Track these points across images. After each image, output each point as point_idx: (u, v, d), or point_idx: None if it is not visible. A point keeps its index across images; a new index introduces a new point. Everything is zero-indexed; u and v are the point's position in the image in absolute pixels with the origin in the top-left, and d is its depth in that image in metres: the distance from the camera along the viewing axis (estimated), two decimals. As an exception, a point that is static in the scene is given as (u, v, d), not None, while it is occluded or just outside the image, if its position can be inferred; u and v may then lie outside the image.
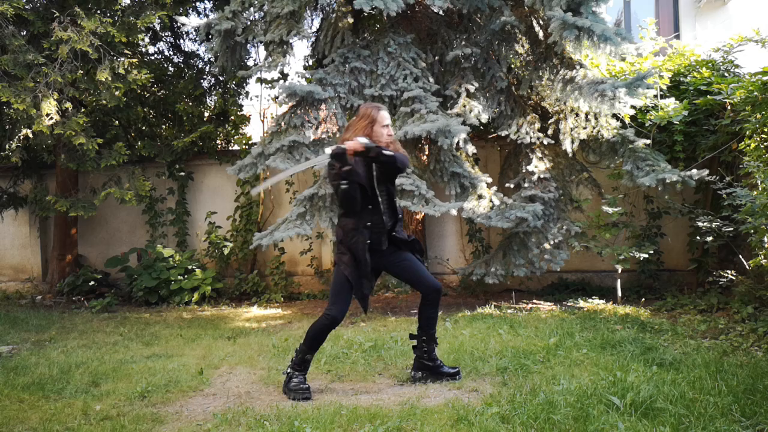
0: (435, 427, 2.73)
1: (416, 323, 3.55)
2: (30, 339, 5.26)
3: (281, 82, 6.63)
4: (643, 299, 5.94)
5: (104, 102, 6.83)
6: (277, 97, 5.65)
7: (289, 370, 3.40)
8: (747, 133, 4.84)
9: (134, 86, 6.56)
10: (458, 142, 5.40)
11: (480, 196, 5.55)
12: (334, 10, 6.04)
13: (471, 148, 5.62)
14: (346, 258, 3.33)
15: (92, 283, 7.59)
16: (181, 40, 8.54)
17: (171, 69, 8.35)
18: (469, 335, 4.53)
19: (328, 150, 3.17)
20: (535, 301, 6.19)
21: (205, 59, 8.36)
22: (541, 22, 5.80)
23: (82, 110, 6.91)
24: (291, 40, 5.68)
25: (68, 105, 6.44)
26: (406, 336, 4.51)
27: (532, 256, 5.63)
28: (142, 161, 7.74)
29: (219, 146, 8.45)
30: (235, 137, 8.52)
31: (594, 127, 5.71)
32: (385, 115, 3.39)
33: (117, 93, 6.47)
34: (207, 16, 8.17)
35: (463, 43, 5.85)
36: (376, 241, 3.34)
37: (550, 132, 5.86)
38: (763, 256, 4.75)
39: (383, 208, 3.36)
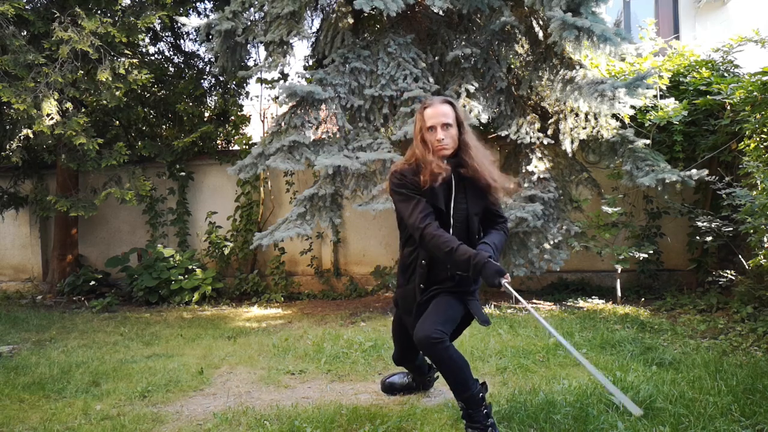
0: (435, 427, 2.74)
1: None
2: (30, 339, 5.27)
3: (281, 82, 6.64)
4: (643, 299, 5.94)
5: (105, 102, 6.84)
6: (277, 98, 5.65)
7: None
8: (746, 133, 4.85)
9: (135, 86, 6.57)
10: (458, 143, 5.39)
11: (480, 196, 5.54)
12: (334, 11, 6.04)
13: (471, 149, 5.61)
14: None
15: (93, 283, 7.61)
16: (182, 41, 8.56)
17: (171, 69, 8.36)
18: (469, 335, 4.53)
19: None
20: (534, 300, 6.19)
21: (206, 59, 8.38)
22: (540, 22, 5.80)
23: (83, 110, 6.92)
24: (291, 41, 5.69)
25: (69, 105, 6.45)
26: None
27: (531, 256, 5.64)
28: (142, 161, 7.76)
29: (219, 146, 8.47)
30: (236, 137, 8.53)
31: (594, 127, 5.71)
32: (430, 113, 2.69)
33: (117, 93, 6.48)
34: (207, 16, 8.18)
35: (463, 43, 5.85)
36: None
37: (549, 132, 5.87)
38: (762, 256, 4.76)
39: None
